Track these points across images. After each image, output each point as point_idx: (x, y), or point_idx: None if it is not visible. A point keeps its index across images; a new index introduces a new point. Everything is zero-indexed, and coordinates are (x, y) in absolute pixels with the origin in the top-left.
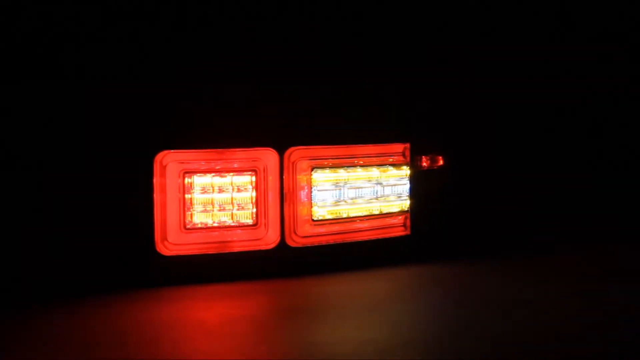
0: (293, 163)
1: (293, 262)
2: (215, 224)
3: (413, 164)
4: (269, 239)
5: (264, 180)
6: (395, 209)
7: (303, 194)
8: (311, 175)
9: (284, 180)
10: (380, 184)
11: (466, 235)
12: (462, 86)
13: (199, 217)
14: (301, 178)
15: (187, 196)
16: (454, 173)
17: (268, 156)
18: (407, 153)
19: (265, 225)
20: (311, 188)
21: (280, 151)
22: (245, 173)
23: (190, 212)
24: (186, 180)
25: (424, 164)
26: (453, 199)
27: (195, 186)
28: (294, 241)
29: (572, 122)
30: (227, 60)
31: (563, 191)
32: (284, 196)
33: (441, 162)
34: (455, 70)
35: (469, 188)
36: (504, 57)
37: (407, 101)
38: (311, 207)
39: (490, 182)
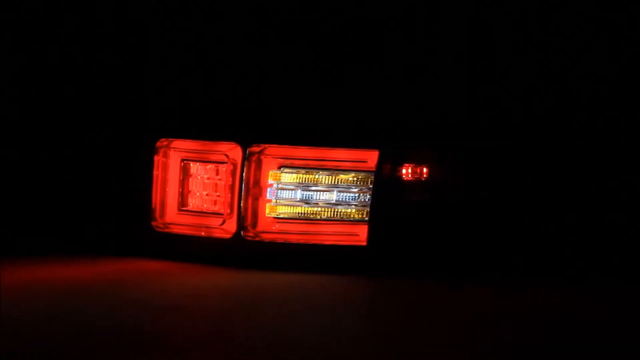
0: (258, 159)
1: (244, 254)
2: (189, 209)
3: (379, 173)
4: (229, 230)
5: (232, 174)
6: (355, 217)
7: (265, 190)
8: (274, 172)
9: (250, 176)
10: (344, 189)
11: (427, 253)
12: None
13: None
14: (265, 175)
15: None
16: (425, 186)
17: (236, 151)
18: (375, 161)
19: (228, 216)
20: (272, 185)
21: (245, 147)
22: (219, 166)
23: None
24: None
25: (403, 174)
26: (418, 214)
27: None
28: (248, 234)
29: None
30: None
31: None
32: (246, 191)
33: (425, 175)
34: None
35: (439, 203)
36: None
37: (382, 108)
38: (269, 203)
39: (463, 200)
